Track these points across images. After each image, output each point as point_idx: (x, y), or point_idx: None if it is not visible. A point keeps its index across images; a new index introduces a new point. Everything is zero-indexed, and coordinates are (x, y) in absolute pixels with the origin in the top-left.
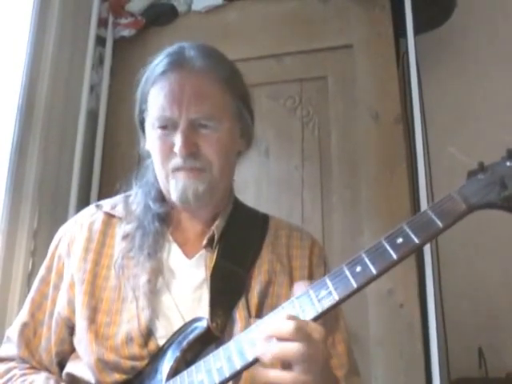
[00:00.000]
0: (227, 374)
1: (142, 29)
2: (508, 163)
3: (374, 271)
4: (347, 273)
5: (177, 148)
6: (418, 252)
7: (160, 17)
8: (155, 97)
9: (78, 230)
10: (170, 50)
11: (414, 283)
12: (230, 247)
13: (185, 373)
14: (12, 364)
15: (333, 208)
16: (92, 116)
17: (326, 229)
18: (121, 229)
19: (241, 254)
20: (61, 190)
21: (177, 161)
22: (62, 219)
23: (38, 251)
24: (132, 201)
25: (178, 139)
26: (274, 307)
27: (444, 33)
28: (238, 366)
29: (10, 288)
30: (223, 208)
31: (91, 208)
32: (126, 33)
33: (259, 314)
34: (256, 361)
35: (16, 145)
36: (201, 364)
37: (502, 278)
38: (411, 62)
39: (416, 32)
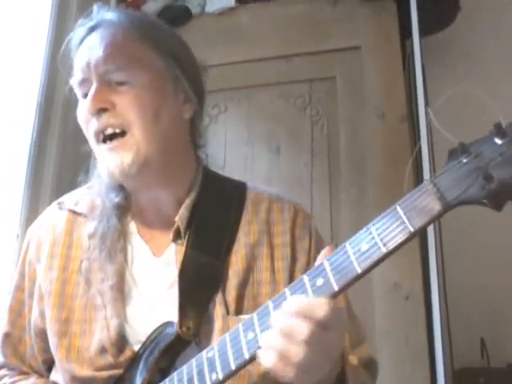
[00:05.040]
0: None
1: None
2: (497, 140)
3: (335, 287)
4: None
5: (86, 107)
6: (423, 246)
7: (174, 18)
8: (75, 64)
9: (43, 232)
10: (87, 19)
11: (419, 276)
12: (200, 235)
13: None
14: (2, 372)
15: (341, 204)
16: None
17: (335, 224)
18: (87, 226)
19: (214, 241)
20: (79, 185)
21: (93, 124)
22: None
23: None
24: (93, 191)
25: (87, 98)
26: (254, 296)
27: (449, 35)
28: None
29: None
30: (187, 189)
31: (53, 207)
32: None
33: (239, 309)
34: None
35: (35, 141)
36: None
37: (504, 270)
38: (417, 64)
39: (421, 34)
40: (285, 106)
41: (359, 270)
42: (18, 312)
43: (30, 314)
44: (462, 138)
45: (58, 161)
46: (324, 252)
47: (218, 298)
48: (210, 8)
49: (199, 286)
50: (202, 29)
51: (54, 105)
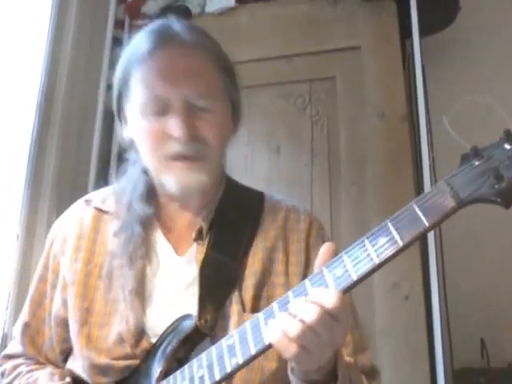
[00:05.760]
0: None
1: None
2: (506, 146)
3: (354, 277)
4: (326, 274)
5: (175, 131)
6: (423, 246)
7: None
8: (142, 79)
9: (69, 227)
10: (153, 26)
11: (419, 276)
12: (221, 237)
13: (171, 378)
14: (19, 361)
15: (341, 204)
16: (109, 114)
17: (334, 224)
18: (112, 225)
19: (233, 243)
20: (78, 186)
21: (173, 146)
22: None
23: None
24: (120, 193)
25: (174, 122)
26: (269, 297)
27: (448, 35)
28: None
29: (29, 280)
30: (213, 194)
31: (81, 203)
32: None
33: (255, 308)
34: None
35: (35, 140)
36: (185, 370)
37: (504, 270)
38: (417, 64)
39: (421, 34)
40: (285, 105)
41: (377, 261)
42: (38, 303)
43: (52, 305)
44: (470, 143)
45: (58, 161)
46: (324, 250)
47: (235, 296)
48: (210, 8)
49: (217, 283)
50: None
51: (54, 105)
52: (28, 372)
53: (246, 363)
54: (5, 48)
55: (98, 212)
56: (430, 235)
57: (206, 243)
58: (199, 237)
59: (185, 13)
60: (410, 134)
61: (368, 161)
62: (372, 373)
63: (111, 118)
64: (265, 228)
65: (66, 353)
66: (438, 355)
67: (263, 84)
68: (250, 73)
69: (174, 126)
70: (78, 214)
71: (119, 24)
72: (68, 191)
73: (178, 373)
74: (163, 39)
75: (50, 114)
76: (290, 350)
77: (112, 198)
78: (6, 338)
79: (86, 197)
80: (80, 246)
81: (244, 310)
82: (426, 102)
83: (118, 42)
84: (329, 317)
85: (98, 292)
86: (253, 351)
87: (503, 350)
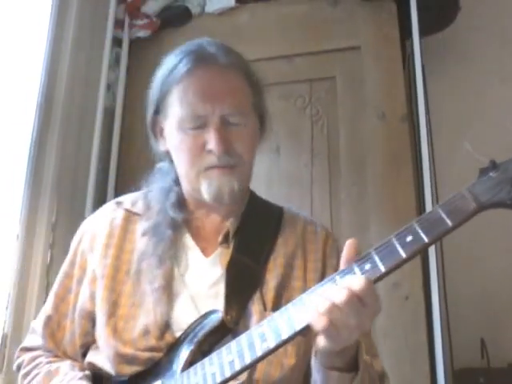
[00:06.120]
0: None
1: (157, 30)
2: None
3: (382, 269)
4: (355, 268)
5: (212, 146)
6: None
7: (174, 18)
8: (181, 96)
9: (99, 225)
10: (188, 47)
11: (419, 276)
12: (245, 242)
13: (199, 364)
14: (38, 352)
15: (341, 204)
16: (109, 113)
17: (335, 224)
18: (141, 225)
19: (256, 248)
20: (78, 185)
21: (211, 159)
22: (80, 213)
23: (56, 244)
24: (151, 198)
25: (211, 137)
26: (288, 300)
27: (448, 35)
28: (260, 352)
29: (29, 280)
30: (239, 203)
31: (112, 205)
32: (141, 34)
33: (276, 308)
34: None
35: (35, 141)
36: (213, 357)
37: (504, 270)
38: (417, 64)
39: (421, 34)
40: (285, 105)
41: (404, 255)
42: (62, 298)
43: (77, 299)
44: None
45: (58, 161)
46: (349, 247)
47: (257, 296)
48: (210, 8)
49: (242, 284)
50: (202, 29)
51: (54, 105)
52: (48, 363)
53: (278, 347)
54: (5, 48)
55: (128, 213)
56: None
57: (232, 247)
58: (225, 240)
59: (185, 13)
60: (410, 134)
61: (368, 161)
62: (383, 378)
63: (111, 118)
64: (285, 236)
65: (86, 347)
66: (438, 355)
67: (263, 84)
68: None
69: (212, 141)
70: (109, 214)
71: (119, 24)
72: (68, 191)
73: (205, 360)
74: (200, 60)
75: (50, 113)
76: (320, 322)
77: (142, 202)
78: (6, 337)
79: (117, 199)
80: (110, 243)
81: (265, 309)
82: (426, 102)
83: (117, 42)
84: (356, 299)
85: (126, 286)
86: (284, 336)
87: (503, 350)
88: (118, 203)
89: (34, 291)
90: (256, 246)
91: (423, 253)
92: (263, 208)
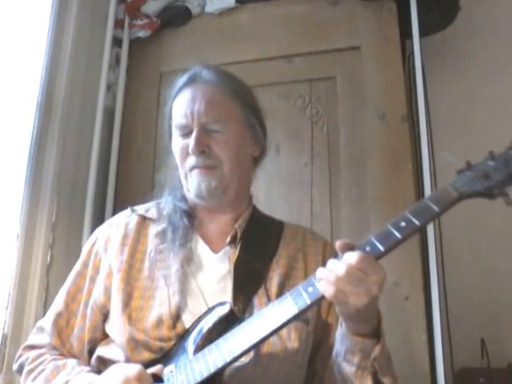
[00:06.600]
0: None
1: (157, 30)
2: (490, 163)
3: (382, 249)
4: (357, 249)
5: (190, 148)
6: (423, 246)
7: (174, 18)
8: (176, 110)
9: (114, 229)
10: (190, 70)
11: (419, 276)
12: (250, 245)
13: (210, 347)
14: (43, 350)
15: (341, 204)
16: (109, 113)
17: (334, 224)
18: (153, 229)
19: (260, 250)
20: (78, 185)
21: (191, 159)
22: (80, 213)
23: (56, 244)
24: (163, 206)
25: (191, 141)
26: None
27: (448, 35)
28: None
29: (29, 280)
30: (243, 211)
31: (127, 211)
32: (141, 34)
33: None
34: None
35: (35, 141)
36: (227, 337)
37: (504, 271)
38: (417, 64)
39: (421, 34)
40: (285, 105)
41: (400, 236)
42: (73, 296)
43: (89, 296)
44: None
45: (58, 161)
46: (341, 242)
47: (262, 290)
48: (210, 8)
49: (248, 280)
50: (202, 29)
51: (54, 105)
52: (53, 360)
53: (302, 313)
54: (5, 48)
55: (142, 218)
56: (430, 235)
57: (238, 247)
58: (232, 241)
59: (185, 13)
60: (410, 134)
61: (368, 161)
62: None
63: (111, 118)
64: (286, 241)
65: (93, 343)
66: (438, 355)
67: (263, 84)
68: (250, 73)
69: (190, 144)
70: (124, 219)
71: (119, 24)
72: (68, 191)
73: (220, 339)
74: (192, 79)
75: (50, 114)
76: (329, 290)
77: (154, 209)
78: (5, 338)
79: (132, 207)
80: (125, 243)
81: (270, 301)
82: (426, 102)
83: (117, 42)
84: (356, 270)
85: (139, 282)
86: (308, 301)
87: (503, 350)
88: (133, 210)
89: (33, 291)
90: (260, 249)
91: (423, 253)
92: (266, 219)
